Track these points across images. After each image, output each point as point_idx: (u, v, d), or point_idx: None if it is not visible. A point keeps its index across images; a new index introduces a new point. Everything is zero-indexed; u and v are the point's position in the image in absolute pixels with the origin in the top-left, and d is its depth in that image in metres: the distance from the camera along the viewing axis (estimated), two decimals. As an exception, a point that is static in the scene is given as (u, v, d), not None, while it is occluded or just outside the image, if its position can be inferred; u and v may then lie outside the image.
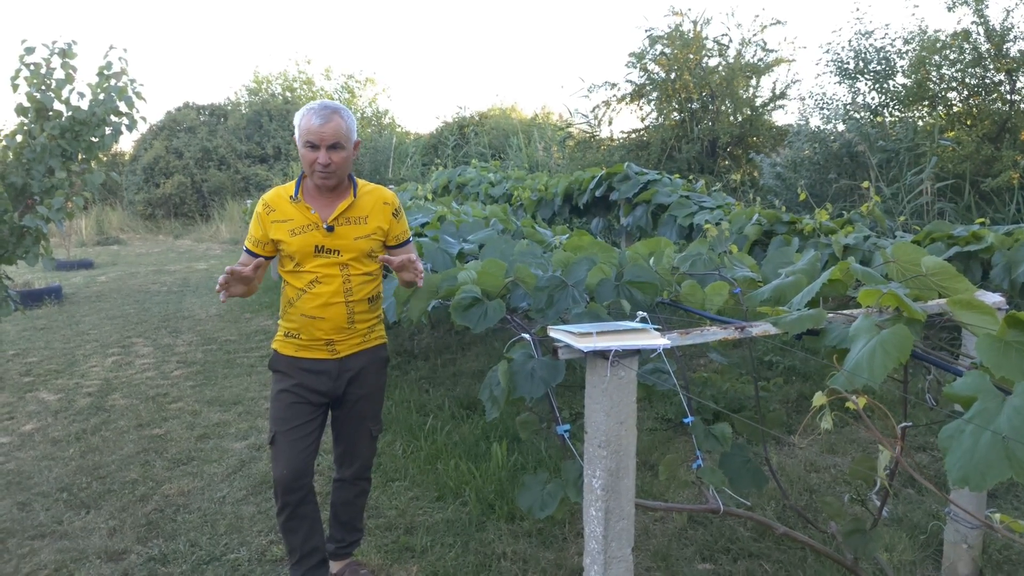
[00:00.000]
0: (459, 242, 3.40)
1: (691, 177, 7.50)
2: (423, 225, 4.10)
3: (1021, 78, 6.47)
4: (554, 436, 2.33)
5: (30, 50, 4.71)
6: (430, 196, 7.59)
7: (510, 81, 36.08)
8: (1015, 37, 6.36)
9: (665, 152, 9.14)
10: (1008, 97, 6.64)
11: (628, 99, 9.89)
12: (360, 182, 2.30)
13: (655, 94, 9.67)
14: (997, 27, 6.38)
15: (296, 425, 2.24)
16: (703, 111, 9.53)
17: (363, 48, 37.32)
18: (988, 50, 6.47)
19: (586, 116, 10.44)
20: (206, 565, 2.68)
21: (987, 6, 6.33)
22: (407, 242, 2.41)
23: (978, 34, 6.48)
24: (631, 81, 9.76)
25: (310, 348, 2.27)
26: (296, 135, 2.19)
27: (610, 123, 12.57)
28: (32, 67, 4.74)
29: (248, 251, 2.27)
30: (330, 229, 2.20)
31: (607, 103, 10.04)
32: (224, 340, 6.35)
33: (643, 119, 9.99)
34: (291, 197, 2.22)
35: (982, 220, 3.46)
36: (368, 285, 2.29)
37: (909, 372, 2.08)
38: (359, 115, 18.83)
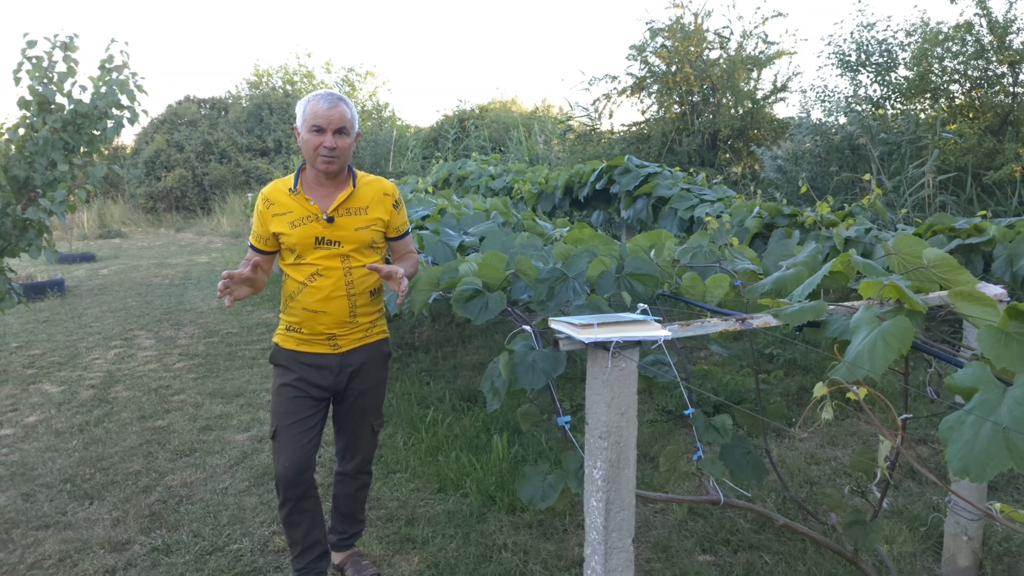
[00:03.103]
0: (460, 235, 3.40)
1: (692, 170, 7.48)
2: (424, 218, 4.09)
3: (1024, 70, 6.44)
4: (555, 428, 2.34)
5: (32, 43, 4.70)
6: (431, 189, 7.58)
7: (510, 74, 36.04)
8: (1018, 29, 6.33)
9: (666, 145, 9.10)
10: (1011, 90, 6.61)
11: (629, 92, 9.84)
12: (359, 173, 2.30)
13: (656, 87, 9.62)
14: (1000, 19, 6.34)
15: (298, 420, 2.24)
16: (704, 104, 9.49)
17: (363, 41, 37.22)
18: (991, 42, 6.44)
19: (587, 109, 10.39)
20: (209, 555, 2.69)
21: (990, -3, 6.30)
22: (407, 233, 2.41)
23: (981, 26, 6.44)
24: (632, 74, 9.71)
25: (312, 343, 2.27)
26: (298, 123, 2.19)
27: (611, 116, 12.53)
28: (34, 60, 4.73)
29: (253, 247, 2.27)
30: (330, 220, 2.19)
31: (607, 96, 10.00)
32: (226, 333, 6.36)
33: (644, 112, 9.95)
34: (290, 190, 2.22)
35: (984, 213, 3.45)
36: (370, 277, 2.28)
37: (910, 365, 2.08)
38: (360, 108, 18.78)
